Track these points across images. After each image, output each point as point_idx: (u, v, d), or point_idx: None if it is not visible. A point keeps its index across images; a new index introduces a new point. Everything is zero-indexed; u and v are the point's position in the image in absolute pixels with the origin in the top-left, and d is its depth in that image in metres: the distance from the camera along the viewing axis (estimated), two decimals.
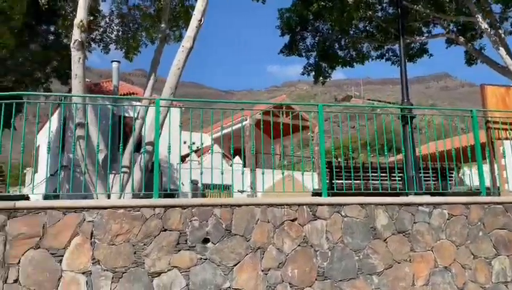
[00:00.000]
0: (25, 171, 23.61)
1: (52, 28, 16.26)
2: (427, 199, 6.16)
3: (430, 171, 7.06)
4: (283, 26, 14.00)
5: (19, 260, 4.68)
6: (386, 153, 7.20)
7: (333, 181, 6.45)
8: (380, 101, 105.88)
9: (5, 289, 4.56)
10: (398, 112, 7.19)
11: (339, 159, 7.45)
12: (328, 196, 5.98)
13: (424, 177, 6.87)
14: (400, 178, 6.87)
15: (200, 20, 8.67)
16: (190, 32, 8.67)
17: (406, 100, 7.08)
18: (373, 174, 6.68)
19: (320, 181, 6.31)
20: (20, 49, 14.69)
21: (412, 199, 6.14)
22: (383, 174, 6.69)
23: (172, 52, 9.00)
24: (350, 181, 6.64)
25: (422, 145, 13.45)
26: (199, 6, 8.73)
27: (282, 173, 6.22)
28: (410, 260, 5.70)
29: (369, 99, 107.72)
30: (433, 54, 14.75)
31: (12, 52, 14.74)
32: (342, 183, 6.46)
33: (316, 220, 5.56)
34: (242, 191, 7.21)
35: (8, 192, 5.65)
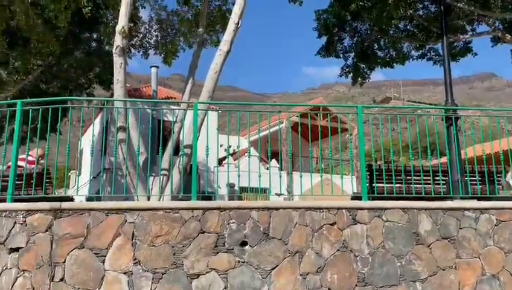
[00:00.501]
0: (69, 173, 24.58)
1: (94, 35, 16.88)
2: (474, 203, 5.88)
3: (477, 174, 6.73)
4: (320, 28, 13.83)
5: (65, 259, 4.84)
6: (429, 156, 6.94)
7: (373, 185, 6.28)
8: (420, 102, 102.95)
9: (52, 287, 4.73)
10: (441, 113, 6.92)
11: (379, 162, 7.25)
12: (368, 199, 5.82)
13: (470, 181, 6.56)
14: (444, 182, 6.60)
15: (237, 24, 8.71)
16: (227, 36, 8.72)
17: (450, 101, 6.81)
18: (415, 177, 6.45)
19: (360, 185, 6.16)
20: (65, 56, 15.33)
21: (457, 203, 5.88)
22: (426, 178, 6.43)
23: (209, 56, 9.10)
24: (391, 185, 6.45)
25: (468, 147, 12.90)
26: (236, 10, 8.78)
27: (321, 176, 6.12)
28: (455, 267, 5.45)
29: (409, 101, 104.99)
30: (477, 53, 14.15)
31: (58, 59, 15.41)
32: (383, 186, 6.28)
33: (355, 224, 5.43)
34: (279, 195, 7.15)
35: (54, 193, 5.88)
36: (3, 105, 7.75)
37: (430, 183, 6.52)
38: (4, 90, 16.06)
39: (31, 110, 6.01)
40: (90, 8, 11.62)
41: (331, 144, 8.45)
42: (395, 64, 14.35)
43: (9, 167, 5.76)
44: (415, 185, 6.40)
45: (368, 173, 6.28)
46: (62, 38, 14.03)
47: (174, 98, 21.33)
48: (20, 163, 6.15)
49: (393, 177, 6.40)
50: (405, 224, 5.51)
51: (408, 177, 6.42)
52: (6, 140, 14.36)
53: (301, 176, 6.01)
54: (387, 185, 6.34)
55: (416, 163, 7.07)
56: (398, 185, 6.40)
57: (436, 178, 6.62)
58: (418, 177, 6.43)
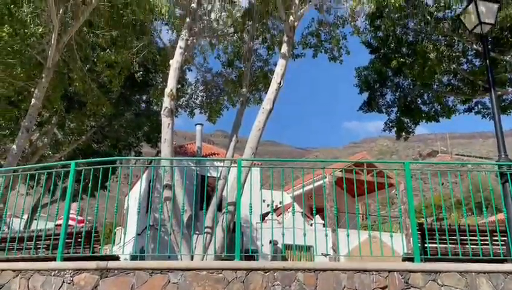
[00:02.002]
0: (116, 229, 25.06)
1: (143, 97, 17.86)
2: None
3: None
4: (361, 84, 13.96)
5: None
6: (484, 213, 6.53)
7: (426, 245, 5.93)
8: (469, 156, 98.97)
9: None
10: (495, 168, 6.58)
11: (430, 219, 6.90)
12: (421, 261, 5.48)
13: None
14: (503, 242, 6.13)
15: (280, 83, 8.95)
16: (270, 94, 8.95)
17: (503, 155, 6.48)
18: (471, 237, 6.04)
19: (411, 244, 5.83)
20: (116, 117, 16.23)
21: None
22: (483, 237, 6.01)
23: (252, 114, 9.33)
24: (445, 245, 6.06)
25: None
26: (278, 71, 9.06)
27: (369, 234, 5.88)
28: None
29: (457, 154, 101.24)
30: None
31: (110, 120, 16.34)
32: (436, 246, 5.91)
33: (409, 288, 5.08)
34: (326, 255, 6.88)
35: (102, 252, 5.97)
36: (58, 165, 8.19)
37: (487, 244, 6.07)
38: (60, 150, 17.06)
39: (83, 170, 6.30)
40: (141, 72, 12.41)
41: (377, 199, 8.18)
42: (440, 118, 14.05)
43: (59, 225, 5.95)
44: (471, 245, 5.97)
45: (419, 231, 5.96)
46: (114, 101, 14.94)
47: (218, 154, 21.74)
48: (69, 221, 6.35)
49: (447, 237, 6.03)
50: (463, 289, 5.10)
51: (463, 237, 6.03)
52: (59, 198, 15.01)
53: (348, 235, 5.78)
54: (440, 245, 5.97)
55: (470, 220, 6.65)
56: (453, 245, 6.00)
57: (494, 238, 6.17)
58: (474, 237, 6.02)
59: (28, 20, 9.08)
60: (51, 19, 9.26)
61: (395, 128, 14.67)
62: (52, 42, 9.47)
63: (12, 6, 8.63)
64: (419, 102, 14.10)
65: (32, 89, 10.45)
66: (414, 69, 12.34)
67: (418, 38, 12.62)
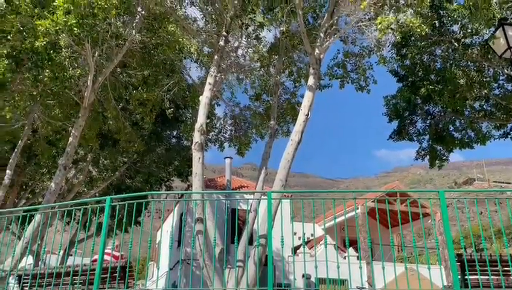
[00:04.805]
0: (148, 264, 25.16)
1: (174, 133, 18.30)
2: None
3: None
4: (390, 113, 13.84)
5: None
6: None
7: (466, 276, 5.69)
8: (508, 183, 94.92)
9: None
10: None
11: (470, 250, 6.63)
12: None
13: None
14: None
15: (307, 115, 9.01)
16: (298, 126, 9.01)
17: None
18: None
19: (450, 276, 5.61)
20: (148, 153, 16.65)
21: None
22: None
23: (280, 146, 9.38)
24: (487, 276, 5.79)
25: None
26: (306, 103, 9.15)
27: (405, 267, 5.70)
28: None
29: (495, 182, 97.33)
30: None
31: (142, 156, 16.77)
32: (477, 278, 5.66)
33: None
34: (361, 288, 6.66)
35: (135, 285, 6.02)
36: (92, 201, 8.44)
37: None
38: (94, 186, 17.55)
39: (118, 205, 6.46)
40: (171, 108, 12.79)
41: (413, 230, 7.96)
42: (475, 144, 13.67)
43: (95, 261, 6.07)
44: None
45: (458, 263, 5.74)
46: (146, 137, 15.38)
47: (247, 186, 21.77)
48: (105, 257, 6.47)
49: (488, 268, 5.77)
50: None
51: (505, 267, 5.75)
52: (95, 233, 15.30)
53: (383, 267, 5.63)
54: (482, 276, 5.71)
55: None
56: (495, 276, 5.74)
57: None
58: None
59: (67, 64, 9.62)
60: (87, 61, 9.77)
61: (428, 157, 14.36)
62: (88, 83, 9.95)
63: (52, 51, 9.17)
64: (451, 129, 13.80)
65: (70, 128, 10.92)
66: (444, 96, 12.17)
67: (446, 65, 12.52)
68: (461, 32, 11.79)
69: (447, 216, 6.05)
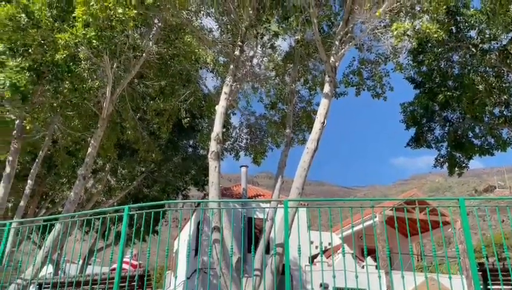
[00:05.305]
0: (165, 273, 25.25)
1: (190, 142, 18.43)
2: None
3: None
4: (407, 120, 13.71)
5: None
6: None
7: (488, 286, 5.56)
8: None
9: None
10: None
11: (492, 259, 6.49)
12: None
13: None
14: None
15: (323, 123, 8.99)
16: (314, 134, 9.00)
17: None
18: None
19: (472, 286, 5.48)
20: (165, 162, 16.79)
21: None
22: None
23: (296, 154, 9.36)
24: (510, 287, 5.66)
25: None
26: (321, 111, 9.14)
27: (425, 276, 5.60)
28: None
29: None
30: None
31: (159, 165, 16.92)
32: (500, 288, 5.52)
33: None
34: None
35: None
36: (111, 210, 8.53)
37: None
38: (112, 195, 17.76)
39: (136, 214, 6.52)
40: (188, 118, 12.92)
41: (432, 239, 7.82)
42: (495, 151, 13.41)
43: (113, 270, 6.12)
44: None
45: (480, 272, 5.62)
46: (163, 147, 15.54)
47: (263, 195, 21.72)
48: (123, 265, 6.52)
49: None
50: None
51: None
52: (113, 242, 15.44)
53: (403, 276, 5.54)
54: (505, 286, 5.57)
55: None
56: None
57: None
58: None
59: (86, 76, 9.82)
60: (105, 73, 9.96)
61: (447, 164, 14.14)
62: (107, 94, 10.13)
63: (71, 63, 9.39)
64: (470, 135, 13.59)
65: (89, 139, 11.11)
66: (463, 102, 12.02)
67: (464, 71, 12.37)
68: (479, 38, 11.66)
69: (467, 224, 5.93)
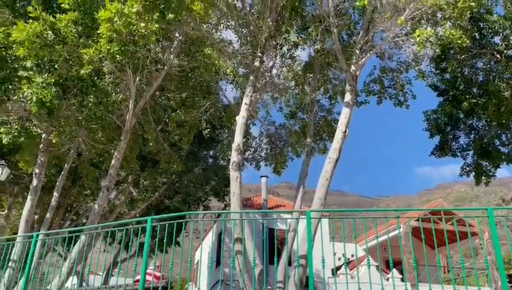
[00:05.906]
0: (186, 285, 25.24)
1: (211, 152, 18.53)
2: None
3: None
4: (431, 128, 13.46)
5: None
6: None
7: None
8: None
9: None
10: None
11: None
12: None
13: None
14: None
15: (345, 132, 8.91)
16: (335, 144, 8.92)
17: None
18: None
19: None
20: (186, 173, 16.91)
21: None
22: None
23: (317, 164, 9.29)
24: None
25: None
26: (343, 120, 9.06)
27: (454, 289, 5.43)
28: None
29: None
30: None
31: (180, 176, 17.04)
32: None
33: None
34: None
35: None
36: (133, 222, 8.61)
37: None
38: (135, 206, 17.95)
39: (158, 226, 6.56)
40: (208, 129, 13.01)
41: (460, 250, 7.60)
42: None
43: (137, 281, 6.15)
44: None
45: (510, 284, 5.41)
46: (184, 158, 15.65)
47: (284, 205, 21.56)
48: (146, 277, 6.55)
49: None
50: None
51: None
52: (137, 253, 15.57)
53: (430, 289, 5.39)
54: None
55: None
56: None
57: None
58: None
59: (110, 90, 10.02)
60: (128, 86, 10.14)
61: (474, 173, 13.78)
62: (130, 107, 10.30)
63: (96, 78, 9.60)
64: (497, 143, 13.23)
65: (112, 151, 11.28)
66: (488, 110, 11.74)
67: (489, 77, 12.10)
68: (503, 44, 11.40)
69: (496, 235, 5.74)
